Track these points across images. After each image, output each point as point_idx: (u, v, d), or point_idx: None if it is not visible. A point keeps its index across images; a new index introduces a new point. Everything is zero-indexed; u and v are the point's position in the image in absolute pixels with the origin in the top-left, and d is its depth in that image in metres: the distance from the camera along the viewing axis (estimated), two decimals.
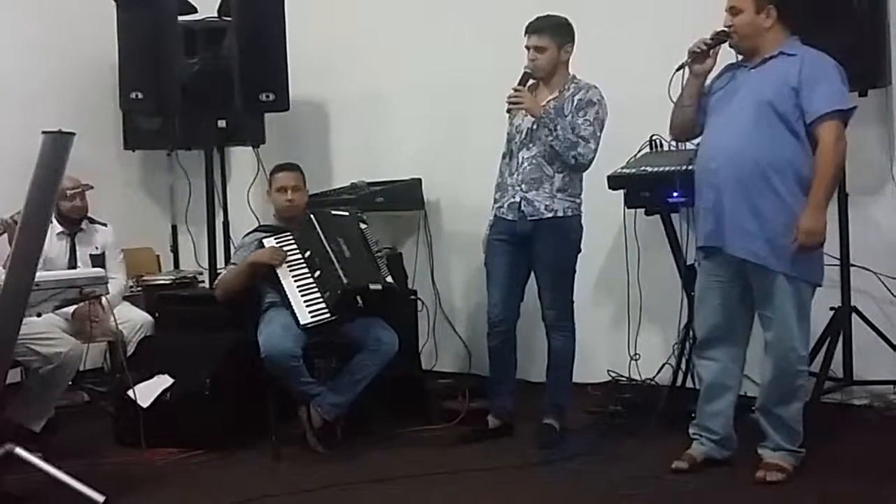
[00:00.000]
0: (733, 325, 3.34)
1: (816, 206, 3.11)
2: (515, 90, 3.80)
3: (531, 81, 3.88)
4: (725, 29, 3.27)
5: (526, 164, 3.85)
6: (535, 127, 3.82)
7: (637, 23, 4.53)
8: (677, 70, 3.33)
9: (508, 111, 3.86)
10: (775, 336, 3.21)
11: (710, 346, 3.38)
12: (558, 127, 3.75)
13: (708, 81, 3.39)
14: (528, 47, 3.83)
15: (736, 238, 3.20)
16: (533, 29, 3.83)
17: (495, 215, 3.96)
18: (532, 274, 3.94)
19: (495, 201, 3.98)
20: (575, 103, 3.81)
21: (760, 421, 3.32)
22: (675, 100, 3.37)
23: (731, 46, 3.30)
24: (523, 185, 3.84)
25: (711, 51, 3.29)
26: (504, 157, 3.99)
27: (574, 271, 3.92)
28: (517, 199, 3.85)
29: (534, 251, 3.87)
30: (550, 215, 3.82)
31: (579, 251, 3.92)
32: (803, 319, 3.21)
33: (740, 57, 3.34)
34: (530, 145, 3.84)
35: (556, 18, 3.85)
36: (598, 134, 3.80)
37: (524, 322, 4.04)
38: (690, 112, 3.37)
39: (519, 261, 3.91)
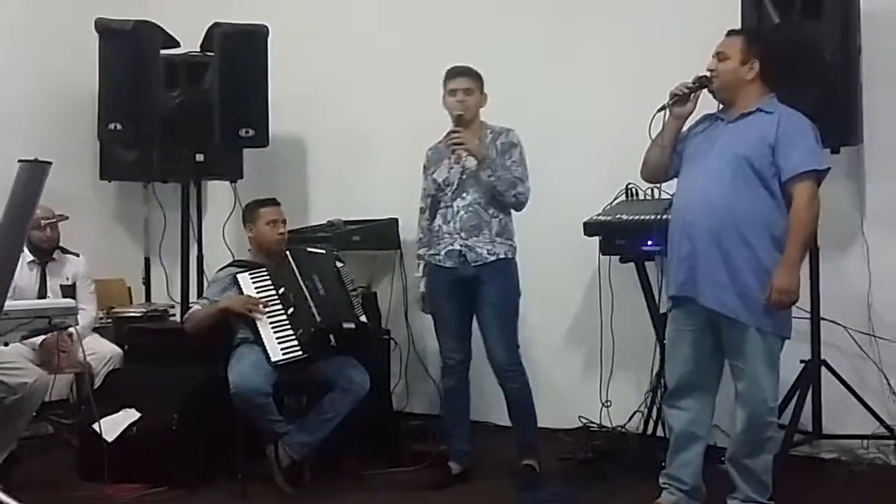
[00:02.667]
0: (703, 375, 3.36)
1: (790, 263, 3.15)
2: (456, 131, 3.82)
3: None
4: (707, 74, 3.32)
5: (462, 212, 3.88)
6: (464, 177, 3.86)
7: (614, 71, 4.59)
8: (658, 111, 3.37)
9: (452, 152, 3.86)
10: (746, 387, 3.23)
11: (679, 396, 3.39)
12: (497, 167, 3.80)
13: (685, 128, 3.44)
14: (454, 90, 3.89)
15: (708, 289, 3.22)
16: (459, 72, 3.92)
17: (431, 264, 3.97)
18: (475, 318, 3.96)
19: (420, 257, 4.03)
20: (499, 147, 3.88)
21: (730, 472, 3.32)
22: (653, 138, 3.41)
23: (710, 92, 3.35)
24: (462, 233, 3.87)
25: (693, 94, 3.34)
26: (423, 212, 4.03)
27: (517, 313, 3.95)
28: (456, 246, 3.88)
29: (479, 295, 3.89)
30: (493, 259, 3.86)
31: (520, 294, 3.96)
32: (773, 372, 3.23)
33: (721, 107, 3.39)
34: (464, 194, 3.89)
35: (472, 67, 3.94)
36: (527, 173, 3.89)
37: (478, 366, 4.05)
38: (667, 153, 3.41)
39: (464, 306, 3.94)
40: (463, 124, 3.87)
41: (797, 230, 3.15)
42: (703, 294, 3.24)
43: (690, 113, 3.38)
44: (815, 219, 3.23)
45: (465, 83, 3.89)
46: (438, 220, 3.94)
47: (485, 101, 3.96)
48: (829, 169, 3.27)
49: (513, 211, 3.95)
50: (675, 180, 3.47)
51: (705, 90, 3.34)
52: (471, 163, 3.87)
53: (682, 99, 3.34)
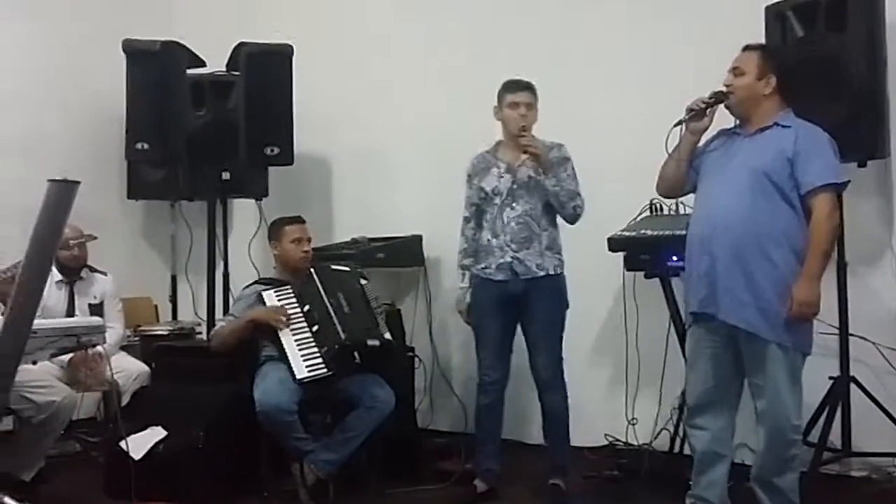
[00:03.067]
0: (724, 392, 3.32)
1: (810, 276, 3.12)
2: (522, 134, 3.81)
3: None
4: (723, 89, 3.31)
5: (512, 223, 3.87)
6: (515, 186, 3.85)
7: (638, 88, 4.58)
8: (675, 126, 3.37)
9: (524, 152, 3.83)
10: (767, 405, 3.20)
11: (700, 414, 3.36)
12: (557, 177, 3.81)
13: (701, 143, 3.43)
14: (517, 103, 3.88)
15: (729, 305, 3.20)
16: (525, 86, 3.92)
17: (479, 277, 3.95)
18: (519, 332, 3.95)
19: (466, 267, 4.00)
20: (552, 161, 3.87)
21: (757, 492, 3.27)
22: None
23: (726, 107, 3.34)
24: (513, 245, 3.86)
25: (709, 109, 3.33)
26: (468, 222, 4.02)
27: (564, 328, 3.93)
28: (507, 259, 3.86)
29: (527, 310, 3.87)
30: (542, 274, 3.85)
31: (568, 307, 3.95)
32: (795, 388, 3.19)
33: (737, 122, 3.38)
34: (514, 204, 3.87)
35: (532, 83, 3.95)
36: (579, 188, 3.90)
37: (514, 382, 4.03)
38: (683, 167, 3.40)
39: (509, 321, 3.92)
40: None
41: (817, 243, 3.13)
42: (724, 310, 3.21)
43: (707, 128, 3.37)
44: (835, 231, 3.21)
45: (527, 97, 3.90)
46: (487, 234, 3.93)
47: (538, 117, 3.95)
48: (847, 182, 3.24)
49: (560, 224, 3.94)
50: (694, 195, 3.45)
51: (721, 105, 3.33)
52: (523, 173, 3.86)
53: (698, 114, 3.33)
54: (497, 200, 3.90)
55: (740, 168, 3.23)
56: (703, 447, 3.35)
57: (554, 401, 3.91)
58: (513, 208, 3.87)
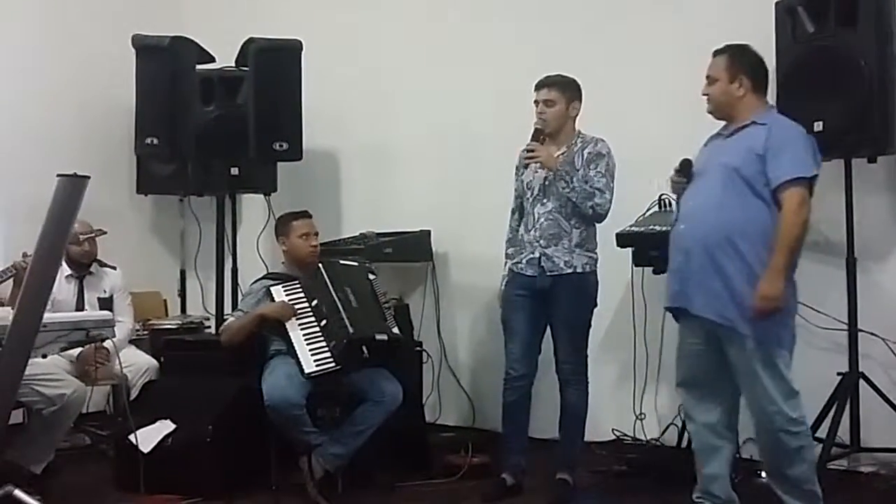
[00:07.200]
0: (713, 387, 3.32)
1: (773, 270, 3.11)
2: (529, 146, 3.84)
3: (542, 137, 3.90)
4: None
5: (542, 219, 3.87)
6: (546, 183, 3.85)
7: (646, 83, 4.58)
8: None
9: (525, 166, 3.89)
10: (748, 398, 3.22)
11: (692, 409, 3.37)
12: (574, 178, 3.79)
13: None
14: (537, 101, 3.88)
15: (702, 299, 3.21)
16: (543, 83, 3.90)
17: (512, 271, 3.96)
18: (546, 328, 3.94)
19: (509, 257, 4.00)
20: (585, 157, 3.85)
21: (773, 487, 3.26)
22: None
23: (708, 112, 3.36)
24: (542, 241, 3.86)
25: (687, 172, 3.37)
26: (513, 214, 4.02)
27: (590, 326, 3.92)
28: (536, 254, 3.86)
29: (552, 306, 3.87)
30: (570, 271, 3.83)
31: (595, 306, 3.93)
32: (780, 381, 3.15)
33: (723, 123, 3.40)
34: (545, 200, 3.87)
35: (565, 76, 3.92)
36: (612, 185, 3.84)
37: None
38: None
39: (538, 316, 3.90)
40: (546, 135, 3.86)
41: (784, 237, 3.12)
42: (696, 304, 3.23)
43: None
44: (803, 225, 3.17)
45: (544, 94, 3.87)
46: (521, 228, 3.94)
47: (575, 110, 3.90)
48: (816, 176, 3.20)
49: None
50: None
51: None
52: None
53: (678, 185, 3.39)
54: (529, 195, 3.91)
55: (715, 167, 3.27)
56: (700, 441, 3.37)
57: (571, 395, 3.90)
58: (543, 204, 3.87)
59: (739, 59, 3.30)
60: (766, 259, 3.14)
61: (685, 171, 3.36)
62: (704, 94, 3.34)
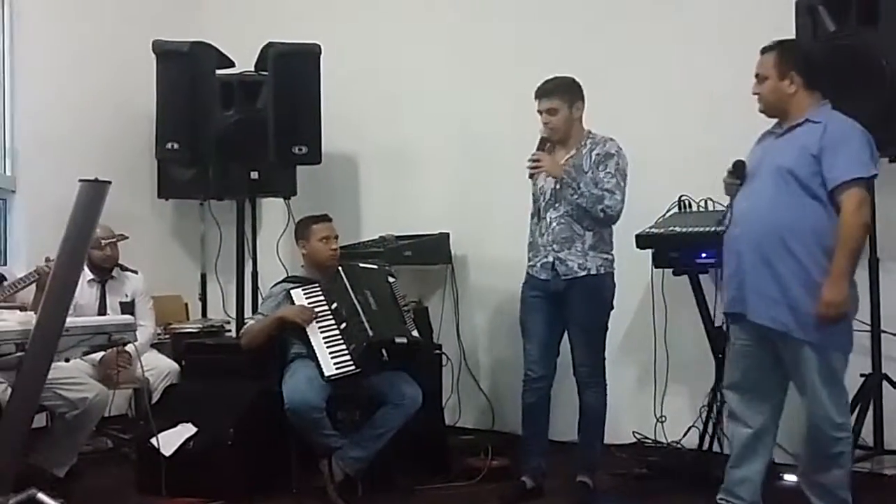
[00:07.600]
0: (764, 391, 3.29)
1: (838, 275, 3.06)
2: (533, 156, 3.82)
3: (548, 145, 3.88)
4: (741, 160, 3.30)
5: (555, 224, 3.86)
6: (557, 188, 3.84)
7: (667, 86, 4.56)
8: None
9: (530, 176, 3.88)
10: (807, 403, 3.17)
11: (740, 412, 3.33)
12: (581, 184, 3.77)
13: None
14: (540, 111, 3.86)
15: (758, 304, 3.17)
16: (542, 93, 3.86)
17: (528, 274, 3.96)
18: (565, 331, 3.93)
19: (528, 260, 3.99)
20: (594, 158, 3.83)
21: (804, 489, 3.25)
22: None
23: (760, 111, 3.31)
24: (555, 245, 3.85)
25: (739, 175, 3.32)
26: (532, 217, 4.01)
27: (606, 328, 3.90)
28: (550, 258, 3.85)
29: (568, 309, 3.86)
30: (584, 274, 3.81)
31: (612, 308, 3.91)
32: (834, 386, 3.14)
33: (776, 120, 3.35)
34: (556, 205, 3.86)
35: (562, 79, 3.88)
36: (623, 184, 3.81)
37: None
38: None
39: (555, 318, 3.89)
40: (555, 142, 3.85)
41: (844, 240, 3.07)
42: (753, 310, 3.19)
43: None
44: (864, 227, 3.14)
45: (546, 104, 3.84)
46: (536, 232, 3.94)
47: (579, 111, 3.87)
48: (875, 175, 3.16)
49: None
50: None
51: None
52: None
53: (732, 186, 3.35)
54: (542, 200, 3.91)
55: (768, 168, 3.21)
56: (741, 442, 3.32)
57: (590, 398, 3.89)
58: (556, 209, 3.86)
59: (788, 56, 3.23)
60: (820, 260, 3.08)
61: (738, 172, 3.30)
62: (755, 94, 3.26)
